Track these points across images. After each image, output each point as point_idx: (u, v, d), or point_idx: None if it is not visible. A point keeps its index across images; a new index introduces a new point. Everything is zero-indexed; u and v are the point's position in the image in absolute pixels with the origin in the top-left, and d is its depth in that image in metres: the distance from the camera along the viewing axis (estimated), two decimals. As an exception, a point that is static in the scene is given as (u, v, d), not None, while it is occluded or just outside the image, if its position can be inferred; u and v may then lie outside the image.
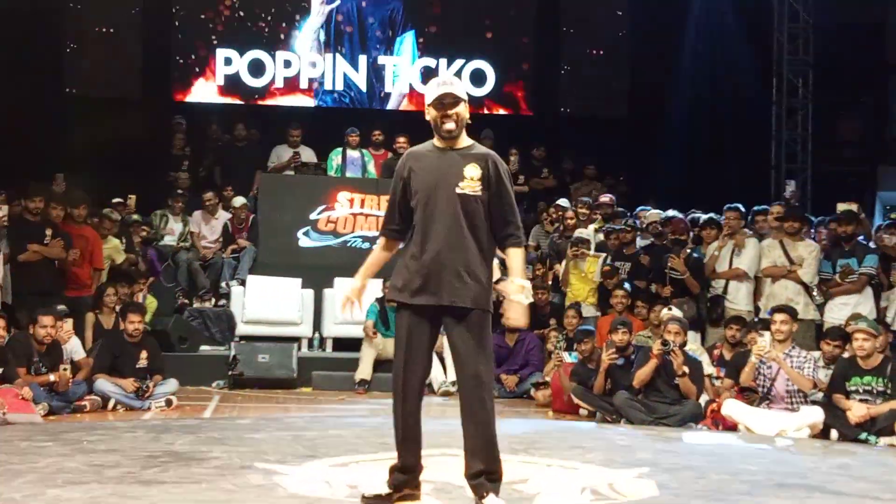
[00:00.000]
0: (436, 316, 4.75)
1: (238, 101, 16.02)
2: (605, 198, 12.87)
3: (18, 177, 11.47)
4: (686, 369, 8.53)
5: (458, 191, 4.64)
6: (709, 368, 9.27)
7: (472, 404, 4.66)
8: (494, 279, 4.96)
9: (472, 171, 4.66)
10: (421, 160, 4.78)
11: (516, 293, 4.73)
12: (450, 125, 4.68)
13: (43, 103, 14.80)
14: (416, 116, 15.54)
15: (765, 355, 8.29)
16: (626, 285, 10.51)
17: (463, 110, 4.72)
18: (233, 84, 16.02)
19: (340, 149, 13.58)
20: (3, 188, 11.24)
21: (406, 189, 4.78)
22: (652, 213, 11.82)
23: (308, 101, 16.20)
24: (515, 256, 4.77)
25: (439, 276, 4.67)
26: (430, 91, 4.75)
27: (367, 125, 13.98)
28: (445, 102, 4.68)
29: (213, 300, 12.23)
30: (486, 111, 16.18)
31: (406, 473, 4.81)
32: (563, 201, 13.18)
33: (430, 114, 4.74)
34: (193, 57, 16.06)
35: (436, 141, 4.80)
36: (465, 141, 4.77)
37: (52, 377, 8.64)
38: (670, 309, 9.44)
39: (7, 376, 8.23)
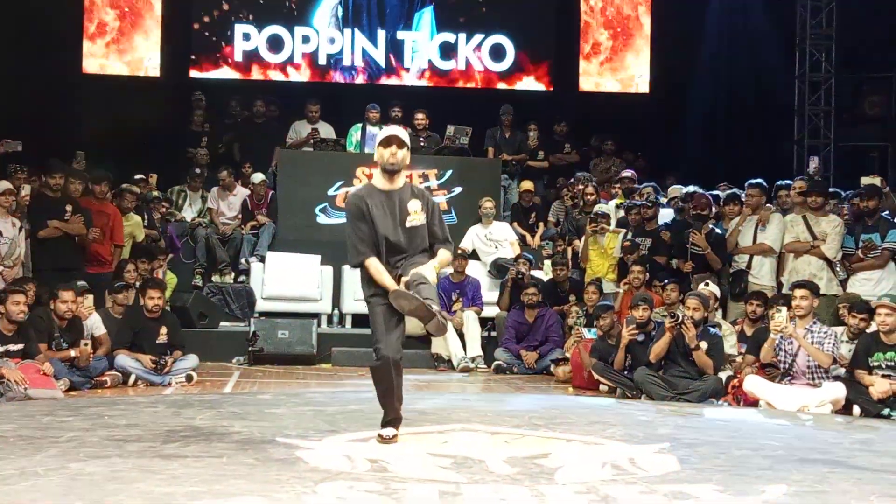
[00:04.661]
0: None
1: (257, 77, 15.98)
2: (627, 172, 12.80)
3: (39, 157, 11.49)
4: (702, 344, 8.48)
5: (408, 225, 5.79)
6: (734, 349, 9.20)
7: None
8: None
9: (415, 206, 5.82)
10: (373, 199, 5.80)
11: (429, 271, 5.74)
12: (394, 161, 5.73)
13: (62, 83, 14.81)
14: (434, 92, 15.72)
15: (782, 331, 8.23)
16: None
17: (406, 153, 5.80)
18: (251, 60, 15.99)
19: (360, 125, 13.56)
20: (25, 167, 11.26)
21: (367, 222, 5.77)
22: (673, 189, 11.74)
23: (327, 77, 16.15)
24: (442, 253, 5.91)
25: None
26: (380, 135, 5.84)
27: (385, 101, 13.95)
28: (392, 143, 5.74)
29: (233, 274, 12.27)
30: (505, 86, 16.10)
31: (399, 422, 5.90)
32: (581, 175, 13.12)
33: (378, 152, 5.77)
34: (212, 33, 16.01)
35: (379, 182, 5.87)
36: (402, 180, 5.88)
37: (72, 352, 8.69)
38: (707, 284, 9.40)
39: (28, 352, 8.27)
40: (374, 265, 5.73)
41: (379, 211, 5.76)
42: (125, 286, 9.81)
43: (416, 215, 5.81)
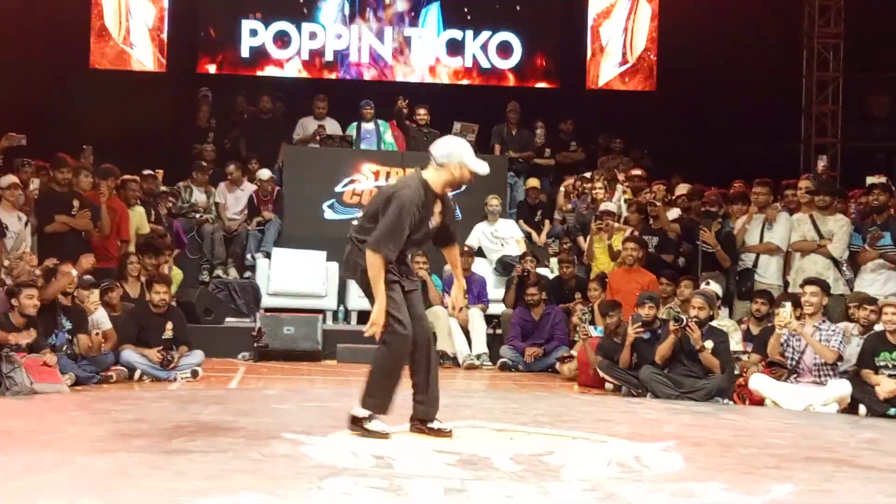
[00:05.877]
0: None
1: (263, 73, 15.98)
2: (637, 171, 12.79)
3: (47, 152, 11.50)
4: (706, 344, 8.45)
5: (431, 226, 5.86)
6: (739, 346, 9.18)
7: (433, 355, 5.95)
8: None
9: (438, 207, 5.87)
10: (423, 200, 5.72)
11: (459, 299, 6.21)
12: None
13: (69, 78, 14.82)
14: (441, 89, 15.70)
15: (786, 326, 8.21)
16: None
17: None
18: (258, 56, 15.98)
19: (356, 123, 13.59)
20: (32, 161, 11.27)
21: (409, 224, 5.70)
22: (680, 186, 11.73)
23: (333, 73, 16.15)
24: (457, 253, 6.26)
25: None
26: (472, 153, 5.76)
27: (392, 97, 13.95)
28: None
29: (236, 271, 12.26)
30: (511, 84, 16.09)
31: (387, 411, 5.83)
32: (588, 174, 13.11)
33: (463, 174, 5.75)
34: (218, 28, 16.01)
35: (437, 186, 5.77)
36: None
37: (81, 339, 8.66)
38: (708, 283, 9.37)
39: (35, 346, 8.26)
40: (378, 268, 5.61)
41: (424, 216, 5.77)
42: (110, 286, 9.70)
43: (436, 216, 5.87)
